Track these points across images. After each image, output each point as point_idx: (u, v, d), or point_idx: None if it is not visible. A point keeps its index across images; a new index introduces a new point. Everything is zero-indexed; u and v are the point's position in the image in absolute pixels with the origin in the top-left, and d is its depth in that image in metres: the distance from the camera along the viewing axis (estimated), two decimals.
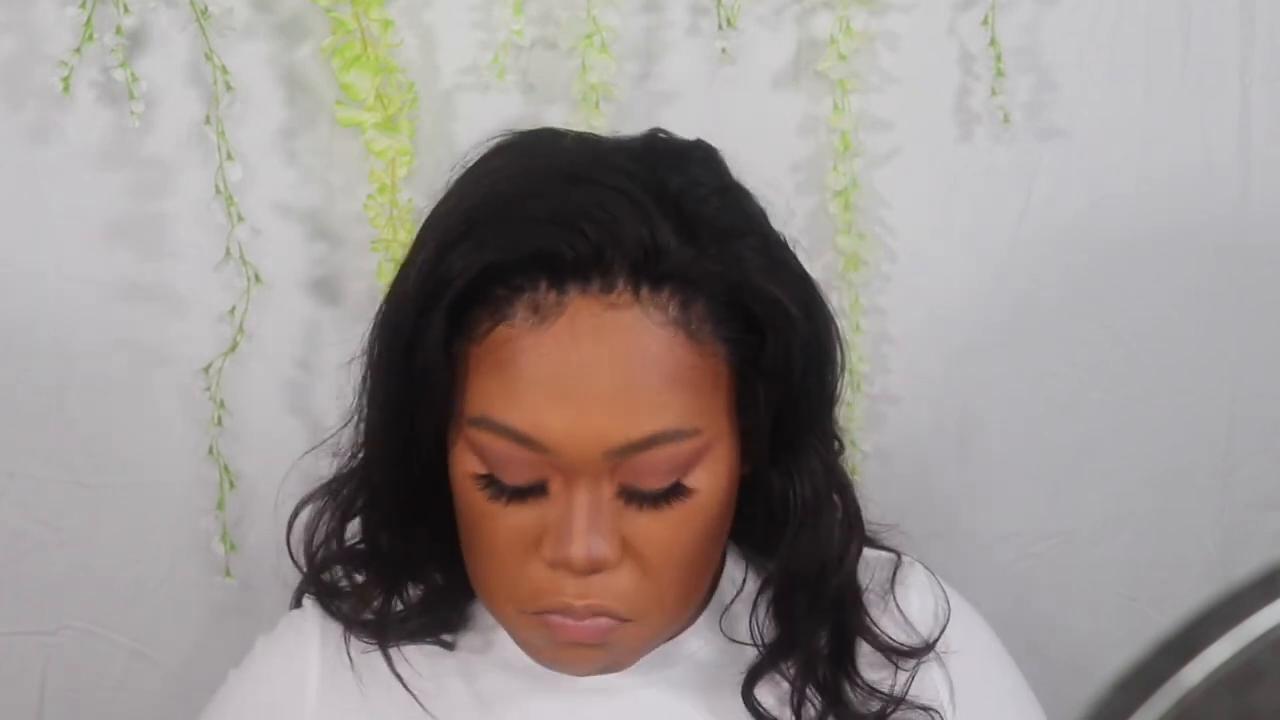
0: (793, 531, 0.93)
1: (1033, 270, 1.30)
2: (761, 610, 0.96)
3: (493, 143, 0.93)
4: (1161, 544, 1.36)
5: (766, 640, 0.96)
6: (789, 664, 0.96)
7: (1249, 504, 1.36)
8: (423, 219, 0.92)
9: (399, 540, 0.96)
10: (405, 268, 0.91)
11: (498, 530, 0.88)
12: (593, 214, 0.84)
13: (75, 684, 1.30)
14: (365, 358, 0.94)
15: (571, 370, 0.84)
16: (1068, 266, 1.31)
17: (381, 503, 0.96)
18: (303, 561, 1.00)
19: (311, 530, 1.00)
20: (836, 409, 0.96)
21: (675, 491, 0.87)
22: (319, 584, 1.00)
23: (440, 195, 0.92)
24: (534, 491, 0.87)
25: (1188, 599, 1.37)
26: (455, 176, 0.92)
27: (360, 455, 0.97)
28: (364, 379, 0.95)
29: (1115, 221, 1.30)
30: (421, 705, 0.96)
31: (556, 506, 0.86)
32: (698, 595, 0.93)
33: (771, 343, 0.87)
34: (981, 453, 1.33)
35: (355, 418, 0.97)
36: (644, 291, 0.85)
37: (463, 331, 0.86)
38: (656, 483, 0.86)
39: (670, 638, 0.96)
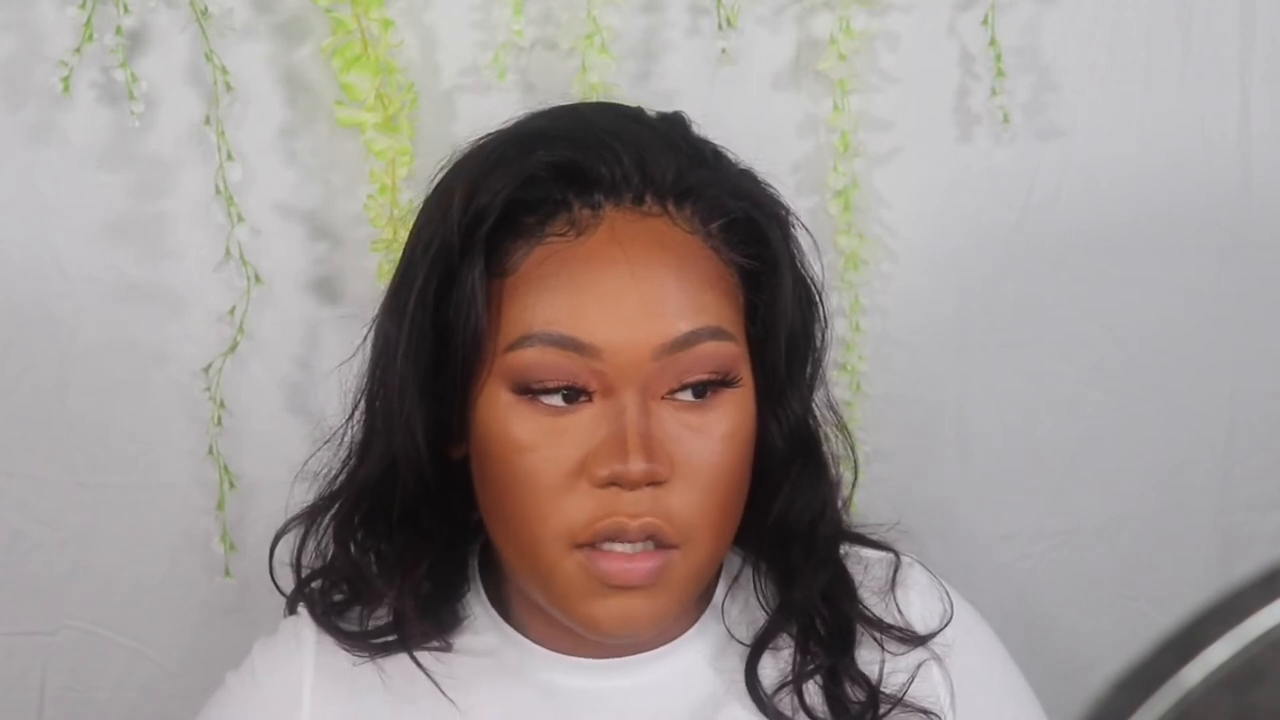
0: (792, 477, 0.96)
1: (1033, 270, 1.30)
2: (763, 577, 0.98)
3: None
4: (1161, 544, 1.36)
5: (771, 605, 0.97)
6: (790, 640, 0.96)
7: (1249, 504, 1.36)
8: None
9: (402, 543, 0.96)
10: (424, 225, 0.93)
11: (541, 461, 0.88)
12: (624, 139, 0.90)
13: (75, 684, 1.30)
14: (377, 334, 0.95)
15: (617, 274, 0.87)
16: (1068, 266, 1.31)
17: (386, 504, 0.95)
18: (292, 584, 1.01)
19: (298, 553, 1.00)
20: (821, 372, 0.98)
21: (717, 396, 0.89)
22: (312, 604, 1.00)
23: (441, 169, 0.95)
24: (578, 409, 0.88)
25: (1188, 599, 1.37)
26: (456, 156, 0.95)
27: (353, 465, 0.97)
28: (374, 361, 0.95)
29: (1115, 221, 1.30)
30: (452, 701, 0.95)
31: (603, 424, 0.87)
32: (733, 528, 0.93)
33: (771, 274, 0.92)
34: (981, 453, 1.33)
35: (349, 426, 0.98)
36: (670, 205, 0.90)
37: (494, 267, 0.89)
38: (699, 382, 0.89)
39: (675, 637, 0.96)
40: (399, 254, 1.17)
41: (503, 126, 0.95)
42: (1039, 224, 1.29)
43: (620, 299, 0.87)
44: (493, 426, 0.89)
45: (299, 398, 1.26)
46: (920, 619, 0.99)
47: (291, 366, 1.26)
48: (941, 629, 0.98)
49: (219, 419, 1.24)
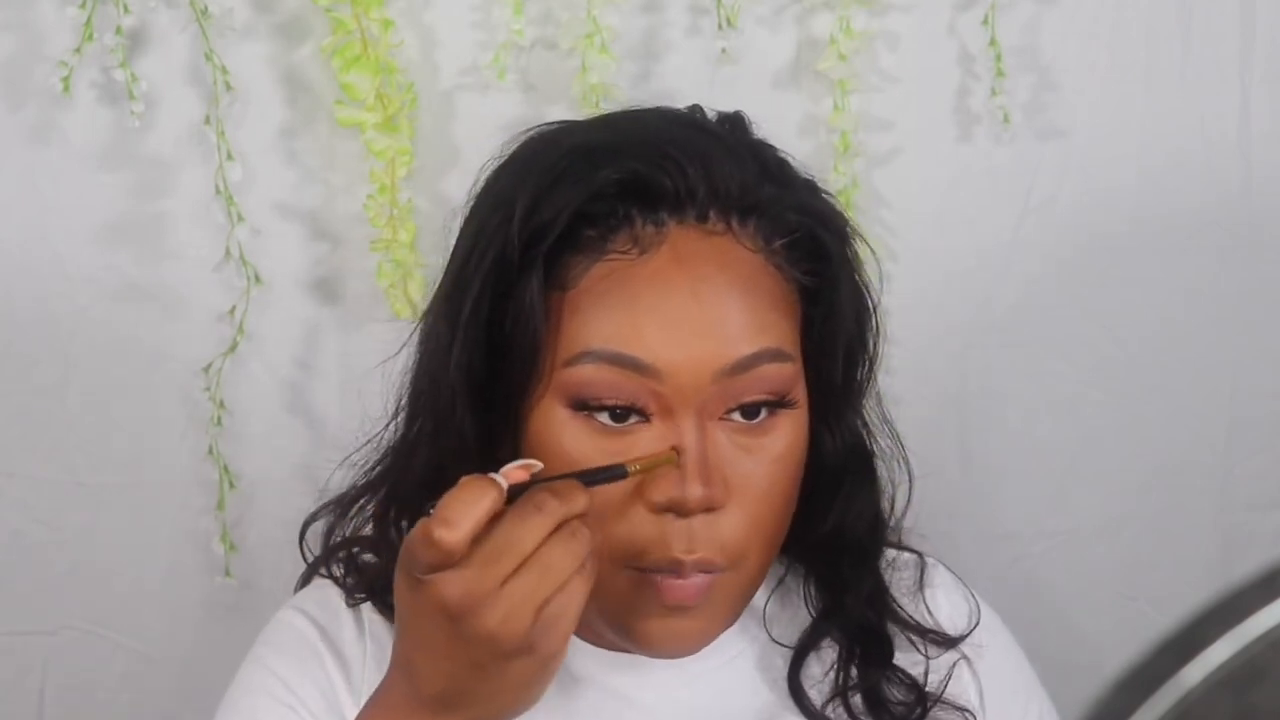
0: (846, 489, 0.95)
1: (1033, 270, 1.30)
2: (811, 584, 0.97)
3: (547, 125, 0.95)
4: (1161, 544, 1.36)
5: (815, 610, 0.97)
6: (832, 644, 0.96)
7: (1249, 504, 1.36)
8: (474, 196, 0.94)
9: None
10: (480, 230, 0.90)
11: None
12: (689, 152, 0.87)
13: (75, 684, 1.30)
14: (427, 337, 0.93)
15: (679, 294, 0.86)
16: (1068, 266, 1.31)
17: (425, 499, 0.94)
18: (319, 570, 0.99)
19: (325, 541, 0.99)
20: (871, 384, 0.97)
21: (773, 418, 0.88)
22: (344, 586, 0.99)
23: (491, 168, 0.93)
24: (635, 430, 0.86)
25: (1188, 599, 1.37)
26: (509, 150, 0.93)
27: (400, 465, 0.95)
28: (419, 365, 0.94)
29: (1115, 221, 1.30)
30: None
31: (660, 447, 0.86)
32: (779, 543, 0.92)
33: (830, 290, 0.91)
34: (982, 452, 1.33)
35: (392, 421, 0.96)
36: (734, 223, 0.88)
37: (552, 280, 0.87)
38: (756, 403, 0.87)
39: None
40: (398, 254, 1.19)
41: (559, 129, 0.93)
42: (1039, 224, 1.29)
43: (682, 320, 0.85)
44: (548, 442, 0.87)
45: (299, 398, 1.26)
46: (949, 619, 1.00)
47: (291, 366, 1.26)
48: (972, 630, 0.99)
49: (219, 419, 1.24)
